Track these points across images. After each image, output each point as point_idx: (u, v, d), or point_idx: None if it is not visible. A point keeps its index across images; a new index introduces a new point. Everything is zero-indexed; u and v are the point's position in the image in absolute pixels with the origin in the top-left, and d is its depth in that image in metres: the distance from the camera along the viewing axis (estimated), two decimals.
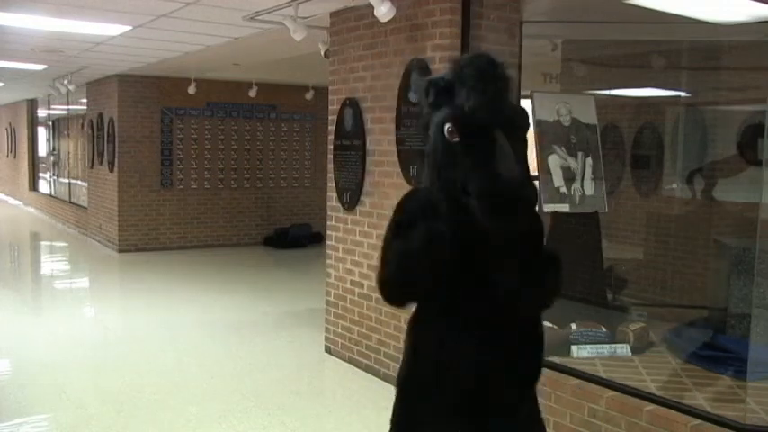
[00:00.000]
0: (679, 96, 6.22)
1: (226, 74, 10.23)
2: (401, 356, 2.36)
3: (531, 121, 4.41)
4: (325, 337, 5.71)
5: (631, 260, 6.00)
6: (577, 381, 3.66)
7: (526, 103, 4.60)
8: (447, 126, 2.03)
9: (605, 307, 4.86)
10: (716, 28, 4.62)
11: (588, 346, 4.06)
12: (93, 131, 11.88)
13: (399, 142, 4.81)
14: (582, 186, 4.61)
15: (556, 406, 3.66)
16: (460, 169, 2.01)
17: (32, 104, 17.26)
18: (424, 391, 2.19)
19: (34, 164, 17.66)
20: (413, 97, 4.70)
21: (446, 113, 2.04)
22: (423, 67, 4.60)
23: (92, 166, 12.06)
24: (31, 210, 16.93)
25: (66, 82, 10.23)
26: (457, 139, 2.01)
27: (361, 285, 5.23)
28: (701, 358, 3.99)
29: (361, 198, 5.22)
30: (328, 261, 5.65)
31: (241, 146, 11.65)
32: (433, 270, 2.05)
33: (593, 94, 5.42)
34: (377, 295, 5.04)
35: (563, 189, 4.55)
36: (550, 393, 3.69)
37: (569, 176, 4.57)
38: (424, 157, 2.23)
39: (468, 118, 1.99)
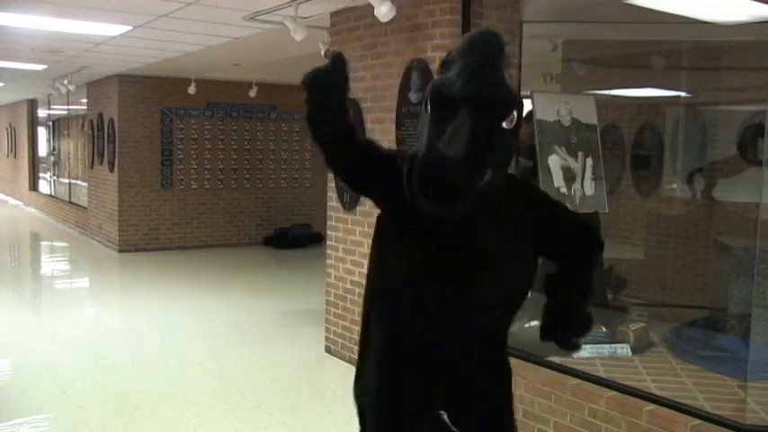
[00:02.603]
0: (679, 96, 6.22)
1: (226, 74, 10.23)
2: None
3: (529, 114, 4.39)
4: (326, 337, 5.71)
5: (631, 260, 5.99)
6: (577, 381, 3.65)
7: (526, 104, 4.61)
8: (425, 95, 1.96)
9: (605, 307, 4.85)
10: (716, 28, 4.63)
11: (588, 346, 4.05)
12: (93, 131, 11.88)
13: (399, 142, 4.81)
14: (582, 186, 4.61)
15: (556, 406, 3.66)
16: (419, 141, 1.91)
17: (32, 104, 17.25)
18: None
19: (34, 164, 17.65)
20: (413, 97, 4.70)
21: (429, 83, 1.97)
22: (423, 67, 4.60)
23: (92, 167, 12.06)
24: (31, 210, 16.92)
25: (66, 82, 10.23)
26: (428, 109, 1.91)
27: (362, 285, 5.20)
28: (701, 358, 3.99)
29: (362, 198, 5.21)
30: (328, 261, 5.65)
31: (241, 146, 11.65)
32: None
33: (594, 95, 5.41)
34: None
35: (563, 189, 4.54)
36: (550, 393, 3.69)
37: (569, 176, 4.57)
38: None
39: (438, 89, 1.88)
